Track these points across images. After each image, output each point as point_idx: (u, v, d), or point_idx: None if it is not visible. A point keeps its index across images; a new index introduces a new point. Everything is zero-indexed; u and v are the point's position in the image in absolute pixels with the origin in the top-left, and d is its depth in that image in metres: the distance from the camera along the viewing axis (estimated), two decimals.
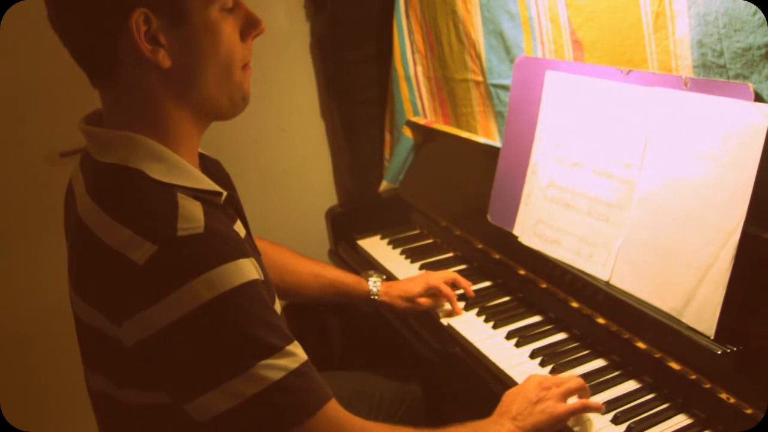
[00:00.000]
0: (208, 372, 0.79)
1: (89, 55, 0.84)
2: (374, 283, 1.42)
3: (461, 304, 1.44)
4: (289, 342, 0.83)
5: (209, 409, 0.80)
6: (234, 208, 0.96)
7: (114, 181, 0.83)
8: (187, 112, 0.87)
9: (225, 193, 0.90)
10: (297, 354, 0.83)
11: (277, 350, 0.81)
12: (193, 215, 0.80)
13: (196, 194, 0.84)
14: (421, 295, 1.42)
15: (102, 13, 0.79)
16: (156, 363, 0.81)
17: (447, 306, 1.44)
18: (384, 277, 1.47)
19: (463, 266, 1.62)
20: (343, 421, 0.86)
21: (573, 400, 1.08)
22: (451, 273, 1.47)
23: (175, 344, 0.78)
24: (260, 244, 1.03)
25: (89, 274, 0.83)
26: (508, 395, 1.08)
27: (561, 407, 1.05)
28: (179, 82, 0.84)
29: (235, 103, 0.90)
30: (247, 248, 0.85)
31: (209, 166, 1.02)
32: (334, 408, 0.85)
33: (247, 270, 0.81)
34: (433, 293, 1.43)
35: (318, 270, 1.41)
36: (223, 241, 0.81)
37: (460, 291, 1.45)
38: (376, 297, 1.42)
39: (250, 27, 0.88)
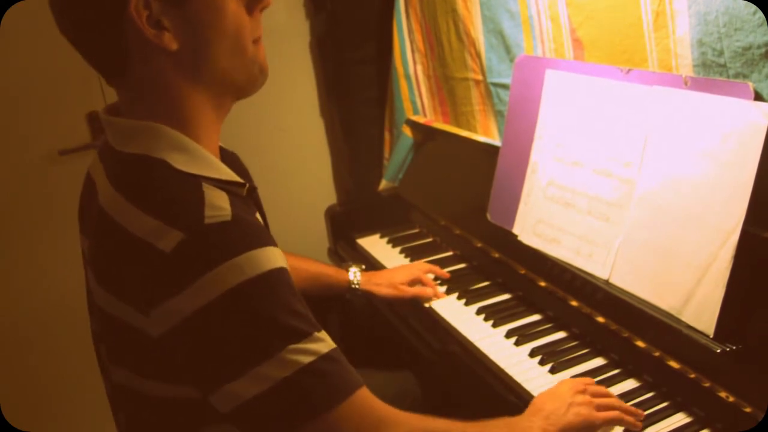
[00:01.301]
0: (236, 357, 0.78)
1: (99, 53, 0.84)
2: (354, 274, 1.46)
3: (462, 301, 1.45)
4: (318, 329, 0.82)
5: (238, 396, 0.78)
6: (253, 200, 0.96)
7: (137, 171, 0.83)
8: (204, 95, 0.86)
9: (247, 185, 0.89)
10: (326, 340, 0.82)
11: (306, 335, 0.79)
12: (219, 203, 0.79)
13: (220, 185, 0.84)
14: (405, 283, 1.47)
15: (101, 6, 0.79)
16: (183, 352, 0.79)
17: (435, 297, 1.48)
18: (363, 267, 1.51)
19: (462, 265, 1.62)
20: (374, 408, 0.84)
21: None
22: (429, 266, 1.55)
23: (204, 330, 0.77)
24: None
25: (114, 265, 0.82)
26: (542, 396, 1.07)
27: (596, 414, 1.03)
28: (190, 64, 0.83)
29: (254, 76, 0.89)
30: (273, 237, 0.85)
31: (228, 158, 1.01)
32: (365, 395, 0.84)
33: (275, 257, 0.81)
34: (417, 282, 1.49)
35: (299, 264, 1.42)
36: (250, 228, 0.80)
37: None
38: (356, 286, 1.46)
39: (255, 0, 0.86)
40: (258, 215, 0.95)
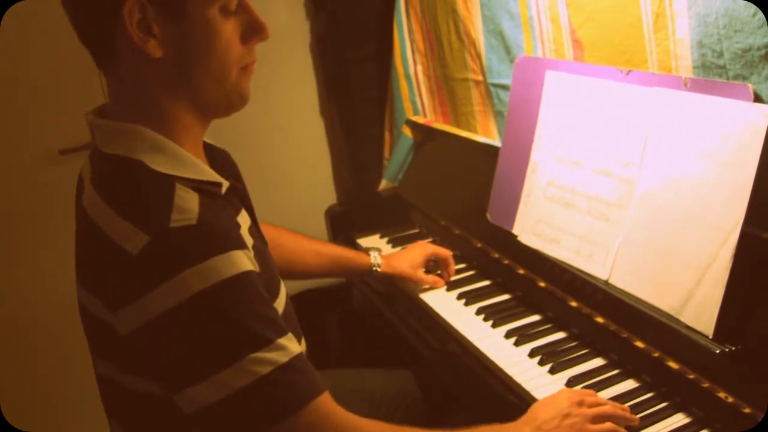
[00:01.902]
0: (197, 363, 0.80)
1: (90, 37, 0.86)
2: (375, 257, 1.48)
3: (461, 301, 1.45)
4: (282, 335, 0.83)
5: (197, 401, 0.80)
6: (239, 197, 0.97)
7: (114, 171, 0.85)
8: (185, 106, 0.88)
9: (227, 184, 0.90)
10: (288, 347, 0.83)
11: (268, 343, 0.81)
12: (187, 206, 0.81)
13: (196, 185, 0.85)
14: (422, 264, 1.51)
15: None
16: (148, 352, 0.82)
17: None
18: (380, 250, 1.54)
19: (462, 265, 1.62)
20: (333, 416, 0.85)
21: None
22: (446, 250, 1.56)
23: (166, 334, 0.79)
24: (261, 227, 1.04)
25: (89, 263, 0.86)
26: (537, 405, 1.06)
27: (590, 427, 1.01)
28: (172, 75, 0.86)
29: (232, 102, 0.91)
30: (242, 240, 0.85)
31: (216, 156, 1.02)
32: (324, 402, 0.85)
33: (240, 261, 0.81)
34: (434, 260, 1.53)
35: (319, 248, 1.44)
36: (215, 232, 0.81)
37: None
38: (377, 269, 1.47)
39: (252, 31, 0.88)
40: (244, 211, 0.96)
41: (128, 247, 0.78)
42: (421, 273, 1.51)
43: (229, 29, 0.86)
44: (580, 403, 1.04)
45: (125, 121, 0.87)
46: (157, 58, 0.83)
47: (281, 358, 0.81)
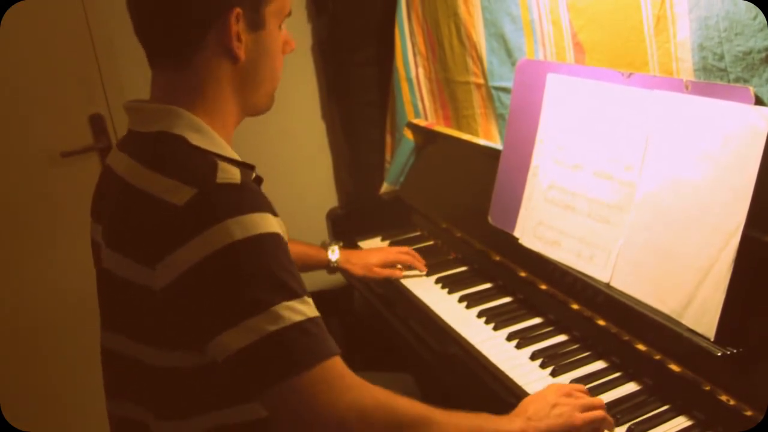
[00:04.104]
0: (234, 307, 0.83)
1: (170, 39, 0.92)
2: (332, 252, 1.61)
3: (463, 304, 1.45)
4: (308, 294, 0.88)
5: (229, 347, 0.82)
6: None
7: (157, 143, 0.91)
8: (237, 104, 0.97)
9: (255, 169, 0.96)
10: (313, 306, 0.88)
11: (298, 296, 0.85)
12: (231, 171, 0.87)
13: (233, 163, 0.90)
14: (378, 266, 1.61)
15: (205, 5, 0.90)
16: (183, 304, 0.84)
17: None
18: (341, 244, 1.64)
19: (463, 268, 1.62)
20: (347, 375, 0.88)
21: None
22: (406, 249, 1.67)
23: (206, 279, 0.82)
24: None
25: (127, 223, 0.89)
26: (526, 399, 1.08)
27: (579, 416, 1.04)
28: (243, 76, 0.96)
29: (268, 105, 1.03)
30: (275, 210, 0.91)
31: None
32: (341, 362, 0.88)
33: (275, 224, 0.88)
34: (391, 265, 1.62)
35: None
36: (256, 194, 0.88)
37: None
38: (335, 264, 1.60)
39: (287, 44, 1.03)
40: None
41: (174, 199, 0.83)
42: (376, 270, 1.60)
43: (281, 41, 1.01)
44: (569, 394, 1.07)
45: (166, 104, 0.93)
46: (239, 62, 0.93)
47: (310, 312, 0.86)
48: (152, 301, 0.85)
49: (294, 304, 0.84)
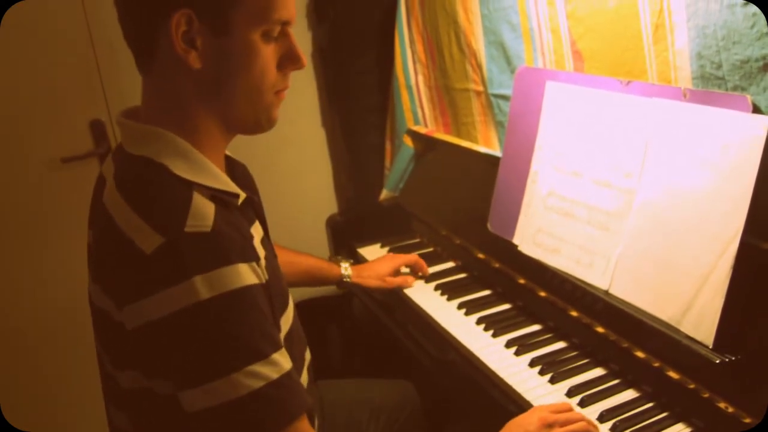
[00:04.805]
0: (195, 369, 0.82)
1: (133, 40, 0.89)
2: (345, 268, 1.58)
3: (462, 311, 1.45)
4: (277, 349, 0.86)
5: (194, 404, 0.83)
6: (254, 210, 1.00)
7: (139, 172, 0.88)
8: (213, 118, 0.91)
9: (243, 195, 0.93)
10: (280, 363, 0.85)
11: (263, 357, 0.83)
12: (203, 213, 0.83)
13: (214, 194, 0.88)
14: (390, 274, 1.59)
15: (150, 4, 0.85)
16: (150, 350, 0.84)
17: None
18: (352, 261, 1.62)
19: (463, 275, 1.62)
20: None
21: None
22: (413, 255, 1.66)
23: (168, 337, 0.81)
24: None
25: (103, 257, 0.89)
26: (509, 425, 1.07)
27: None
28: (207, 88, 0.89)
29: (260, 124, 0.94)
30: (251, 252, 0.88)
31: (235, 168, 1.06)
32: (303, 424, 0.87)
33: (246, 275, 0.84)
34: (400, 272, 1.61)
35: (293, 258, 1.49)
36: (226, 243, 0.84)
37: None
38: (348, 279, 1.57)
39: (289, 60, 0.93)
40: (257, 223, 0.99)
41: (143, 245, 0.81)
42: (389, 280, 1.59)
43: (268, 54, 0.89)
44: (551, 426, 1.05)
45: (154, 125, 0.90)
46: (196, 70, 0.86)
47: (274, 373, 0.84)
48: (126, 335, 0.84)
49: (256, 368, 0.82)
